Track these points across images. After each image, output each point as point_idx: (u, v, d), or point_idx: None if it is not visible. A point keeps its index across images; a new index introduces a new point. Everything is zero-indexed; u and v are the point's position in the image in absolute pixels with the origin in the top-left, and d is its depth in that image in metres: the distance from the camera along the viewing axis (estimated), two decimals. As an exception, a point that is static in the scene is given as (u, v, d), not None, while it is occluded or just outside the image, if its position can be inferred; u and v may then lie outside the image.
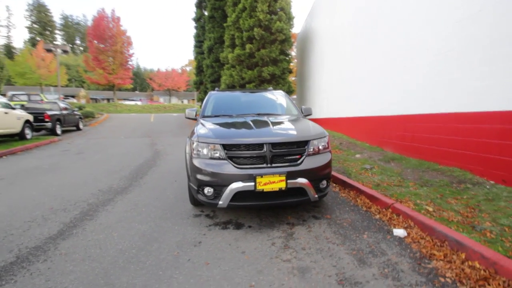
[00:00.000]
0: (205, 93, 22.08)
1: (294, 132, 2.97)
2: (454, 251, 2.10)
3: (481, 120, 3.85)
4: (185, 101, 59.89)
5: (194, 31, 21.72)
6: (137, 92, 65.55)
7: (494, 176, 3.62)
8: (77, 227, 2.87)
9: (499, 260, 1.83)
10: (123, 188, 4.38)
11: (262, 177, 2.60)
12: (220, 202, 2.68)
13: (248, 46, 13.63)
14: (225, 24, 15.12)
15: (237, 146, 2.75)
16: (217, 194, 2.71)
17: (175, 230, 2.75)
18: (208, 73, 17.89)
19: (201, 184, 2.78)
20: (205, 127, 3.22)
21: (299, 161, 2.79)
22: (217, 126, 3.26)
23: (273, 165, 2.71)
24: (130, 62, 38.22)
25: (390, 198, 3.19)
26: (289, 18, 13.98)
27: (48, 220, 3.04)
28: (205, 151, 2.85)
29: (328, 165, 2.94)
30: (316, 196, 2.81)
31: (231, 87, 14.86)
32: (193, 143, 2.97)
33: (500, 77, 3.60)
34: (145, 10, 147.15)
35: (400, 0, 5.93)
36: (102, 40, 33.39)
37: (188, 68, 58.78)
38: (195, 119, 4.13)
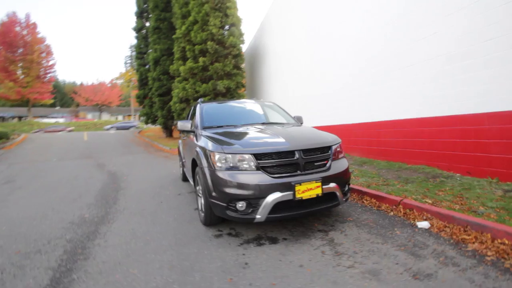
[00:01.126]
0: (151, 107, 20.62)
1: (317, 138, 2.99)
2: (480, 233, 2.40)
3: (443, 124, 4.57)
4: (120, 117, 54.64)
5: (135, 41, 20.31)
6: (57, 108, 56.96)
7: (459, 170, 4.31)
8: (75, 270, 2.25)
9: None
10: (100, 217, 3.67)
11: (300, 184, 2.52)
12: (258, 216, 2.48)
13: (201, 59, 13.42)
14: (174, 36, 14.61)
15: (269, 155, 2.62)
16: (254, 208, 2.50)
17: (207, 255, 2.41)
18: (155, 86, 16.81)
19: (233, 199, 2.53)
20: (221, 138, 2.99)
21: (327, 166, 2.81)
22: (235, 136, 3.06)
23: (306, 171, 2.67)
24: (50, 74, 33.27)
25: (395, 196, 3.48)
26: (240, 34, 14.36)
27: (25, 268, 2.31)
28: (231, 162, 2.62)
29: (348, 168, 3.04)
30: (344, 199, 2.86)
31: (184, 100, 14.29)
32: (214, 155, 2.71)
33: (452, 89, 4.38)
34: (66, 19, 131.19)
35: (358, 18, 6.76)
36: (13, 48, 28.33)
37: (119, 82, 54.17)
38: (190, 131, 3.81)
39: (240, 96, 14.60)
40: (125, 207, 4.11)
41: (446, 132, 4.52)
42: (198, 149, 3.19)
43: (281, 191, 2.48)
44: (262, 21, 14.55)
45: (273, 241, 2.63)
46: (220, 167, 2.66)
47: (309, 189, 2.55)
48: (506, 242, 2.21)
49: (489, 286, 1.76)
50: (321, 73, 8.54)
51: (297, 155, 2.66)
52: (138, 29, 19.67)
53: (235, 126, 3.63)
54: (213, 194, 2.70)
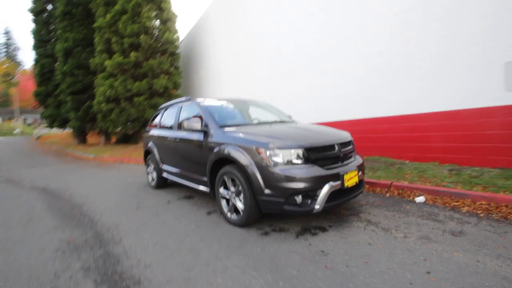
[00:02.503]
0: (58, 107, 16.96)
1: (342, 134, 3.32)
2: (463, 199, 3.24)
3: (394, 121, 5.70)
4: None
5: (33, 25, 16.29)
6: None
7: (407, 157, 5.49)
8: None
9: (491, 196, 3.07)
10: (95, 237, 3.01)
11: (347, 174, 2.80)
12: (317, 207, 2.62)
13: (133, 54, 12.12)
14: (95, 25, 12.64)
15: (316, 149, 2.80)
16: (312, 199, 2.63)
17: (278, 251, 2.40)
18: (66, 82, 13.98)
19: (293, 193, 2.59)
20: (260, 135, 2.99)
21: (354, 157, 3.20)
22: (272, 133, 3.07)
23: (344, 163, 2.97)
24: None
25: (385, 180, 4.19)
26: (175, 31, 13.63)
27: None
28: (284, 158, 2.67)
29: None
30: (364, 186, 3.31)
31: (113, 100, 12.52)
32: (266, 152, 2.70)
33: (401, 94, 5.55)
34: None
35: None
36: None
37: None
38: (200, 131, 3.56)
39: (175, 97, 13.82)
40: (117, 223, 3.47)
41: (396, 128, 5.68)
42: (230, 148, 3.05)
43: (334, 181, 2.71)
44: (199, 20, 14.19)
45: (322, 229, 2.82)
46: (276, 163, 2.67)
47: (351, 178, 2.87)
48: (484, 203, 3.08)
49: (499, 231, 2.48)
50: (270, 80, 9.07)
51: (336, 148, 2.95)
52: (37, 12, 15.90)
53: (250, 125, 3.63)
54: (266, 191, 2.68)
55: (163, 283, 2.05)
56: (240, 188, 2.93)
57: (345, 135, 3.28)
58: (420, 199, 3.47)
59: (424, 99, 5.12)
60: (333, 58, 6.86)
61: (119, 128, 12.91)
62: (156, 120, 5.46)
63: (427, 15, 4.92)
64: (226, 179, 3.12)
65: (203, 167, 3.54)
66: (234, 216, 3.10)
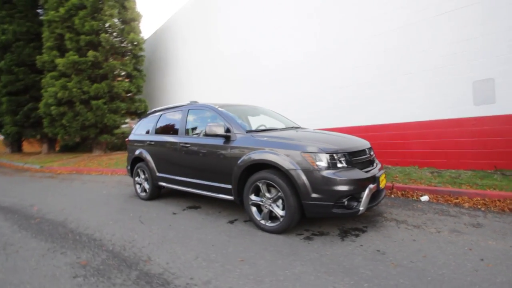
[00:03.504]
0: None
1: (363, 140, 3.51)
2: (461, 196, 3.70)
3: (378, 130, 6.24)
4: None
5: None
6: None
7: (389, 162, 6.05)
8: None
9: (483, 192, 3.58)
10: (117, 257, 2.59)
11: (381, 176, 2.97)
12: (361, 208, 2.70)
13: (91, 53, 11.03)
14: (45, 18, 11.17)
15: (354, 154, 2.91)
16: (357, 201, 2.70)
17: (335, 254, 2.39)
18: (3, 80, 11.83)
19: (342, 196, 2.63)
20: (298, 138, 3.01)
21: (376, 162, 3.41)
22: (307, 137, 3.08)
23: (372, 166, 3.14)
24: None
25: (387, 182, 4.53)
26: (139, 31, 12.83)
27: None
28: (330, 162, 2.71)
29: (376, 163, 3.76)
30: (382, 189, 3.54)
31: (66, 103, 11.07)
32: (312, 155, 2.70)
33: (382, 105, 6.14)
34: None
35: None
36: None
37: None
38: (222, 136, 3.38)
39: (138, 102, 12.90)
40: (128, 239, 3.04)
41: (378, 136, 6.24)
42: (267, 153, 2.95)
43: (372, 183, 2.84)
44: (166, 23, 13.59)
45: (361, 230, 2.92)
46: (323, 167, 2.69)
47: (382, 180, 3.06)
48: (479, 198, 3.58)
49: (507, 220, 2.91)
50: (248, 89, 9.14)
51: (367, 153, 3.11)
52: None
53: (279, 130, 3.62)
54: (313, 195, 2.67)
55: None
56: (279, 194, 2.86)
57: (366, 141, 3.49)
58: (425, 198, 3.87)
59: (404, 110, 5.76)
60: (317, 70, 7.27)
61: (73, 135, 11.38)
62: (147, 125, 5.01)
63: (407, 38, 5.61)
64: (260, 185, 3.02)
65: (225, 174, 3.36)
66: (269, 223, 3.00)
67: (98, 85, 11.11)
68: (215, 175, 3.52)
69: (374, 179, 2.89)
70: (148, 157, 4.67)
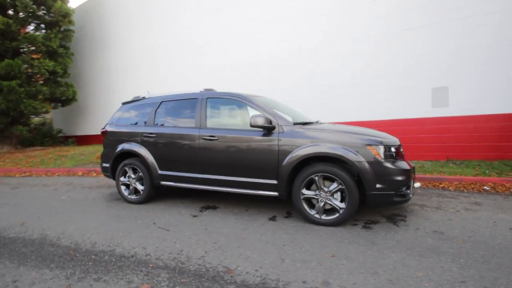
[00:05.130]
0: None
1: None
2: (442, 182, 4.48)
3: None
4: None
5: None
6: None
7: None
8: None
9: (460, 178, 4.44)
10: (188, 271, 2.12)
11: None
12: (411, 195, 2.97)
13: (0, 18, 8.43)
14: None
15: (398, 147, 3.15)
16: (408, 189, 2.95)
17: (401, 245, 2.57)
18: None
19: (402, 185, 2.84)
20: (349, 132, 3.06)
21: None
22: (354, 131, 3.15)
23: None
24: None
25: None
26: (68, 1, 10.55)
27: None
28: (388, 154, 2.88)
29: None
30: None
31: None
32: (377, 149, 2.81)
33: (353, 104, 6.81)
34: None
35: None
36: None
37: None
38: (269, 127, 3.13)
39: (69, 87, 10.69)
40: (175, 251, 2.52)
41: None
42: (328, 146, 2.91)
43: (413, 172, 3.16)
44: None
45: (400, 216, 3.20)
46: (386, 159, 2.82)
47: (412, 170, 3.44)
48: (457, 182, 4.41)
49: (498, 198, 3.69)
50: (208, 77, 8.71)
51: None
52: None
53: (317, 123, 3.58)
54: (377, 185, 2.79)
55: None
56: (340, 186, 2.88)
57: None
58: (417, 184, 4.49)
59: (371, 110, 6.55)
60: (290, 70, 7.48)
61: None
62: (137, 114, 4.20)
63: (379, 46, 6.37)
64: (316, 179, 2.96)
65: (269, 169, 3.15)
66: (324, 216, 2.98)
67: (11, 62, 8.57)
68: (255, 170, 3.24)
69: (414, 169, 3.24)
70: (145, 153, 3.92)
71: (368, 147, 2.85)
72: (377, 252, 2.38)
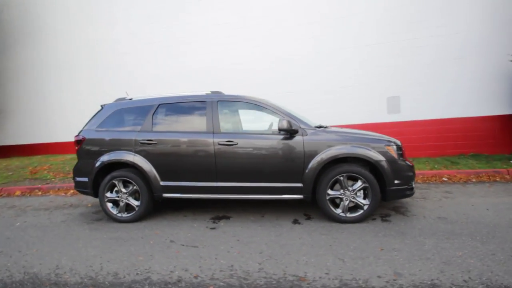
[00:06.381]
0: None
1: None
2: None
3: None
4: None
5: None
6: None
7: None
8: None
9: (421, 172, 5.26)
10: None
11: (407, 163, 3.79)
12: (414, 188, 3.38)
13: None
14: None
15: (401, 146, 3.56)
16: (414, 184, 3.34)
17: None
18: None
19: (412, 179, 3.21)
20: (361, 134, 3.30)
21: None
22: (361, 133, 3.41)
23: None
24: None
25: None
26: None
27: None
28: (398, 153, 3.22)
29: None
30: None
31: None
32: (393, 149, 3.15)
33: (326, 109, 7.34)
34: None
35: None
36: None
37: None
38: (292, 132, 3.14)
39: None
40: (224, 267, 2.29)
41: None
42: (354, 147, 3.10)
43: (412, 169, 3.62)
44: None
45: (400, 208, 3.59)
46: (399, 157, 3.15)
47: (404, 166, 3.91)
48: (424, 176, 5.19)
49: (456, 186, 4.48)
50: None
51: (398, 146, 3.88)
52: None
53: (327, 127, 3.72)
54: (395, 181, 3.08)
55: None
56: (364, 184, 3.08)
57: None
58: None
59: (340, 115, 7.19)
60: (261, 76, 7.63)
61: None
62: (127, 118, 3.65)
63: (343, 57, 7.07)
64: (341, 179, 3.10)
65: (294, 172, 3.16)
66: (349, 214, 3.14)
67: None
68: (279, 174, 3.19)
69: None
70: (142, 162, 3.41)
71: (387, 147, 3.16)
72: (413, 240, 2.65)
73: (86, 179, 3.60)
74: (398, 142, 3.36)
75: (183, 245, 2.77)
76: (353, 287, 1.96)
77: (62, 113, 9.42)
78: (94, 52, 8.96)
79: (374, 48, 6.86)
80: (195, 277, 2.17)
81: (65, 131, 9.35)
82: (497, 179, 4.77)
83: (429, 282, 1.98)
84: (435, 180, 5.00)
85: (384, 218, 3.26)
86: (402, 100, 6.77)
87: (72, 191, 5.32)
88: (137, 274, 2.25)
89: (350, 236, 2.79)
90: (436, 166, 5.75)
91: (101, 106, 3.84)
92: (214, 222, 3.37)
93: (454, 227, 2.91)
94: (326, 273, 2.14)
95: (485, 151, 6.28)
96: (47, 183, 5.95)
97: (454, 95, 6.42)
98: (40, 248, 2.86)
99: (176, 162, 3.40)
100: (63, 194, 5.25)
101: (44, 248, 2.85)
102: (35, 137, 9.66)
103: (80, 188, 3.70)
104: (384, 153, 3.12)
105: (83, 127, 3.78)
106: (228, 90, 7.84)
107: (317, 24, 7.22)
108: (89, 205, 4.40)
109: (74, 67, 9.17)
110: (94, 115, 3.79)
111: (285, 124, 3.07)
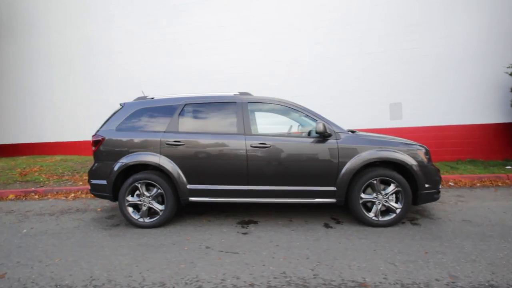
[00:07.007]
0: None
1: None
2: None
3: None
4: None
5: None
6: None
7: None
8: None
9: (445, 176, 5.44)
10: None
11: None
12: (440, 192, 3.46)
13: None
14: None
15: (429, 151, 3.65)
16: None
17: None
18: None
19: (439, 183, 3.27)
20: (388, 139, 3.36)
21: None
22: (385, 138, 3.46)
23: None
24: None
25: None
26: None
27: None
28: (427, 157, 3.29)
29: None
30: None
31: None
32: (423, 153, 3.24)
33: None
34: None
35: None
36: None
37: None
38: (326, 135, 3.13)
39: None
40: (277, 273, 2.20)
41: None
42: (390, 151, 3.14)
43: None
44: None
45: (425, 211, 3.68)
46: (428, 162, 3.22)
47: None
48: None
49: (465, 190, 4.66)
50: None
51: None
52: None
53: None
54: (426, 185, 3.14)
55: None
56: (397, 188, 3.11)
57: None
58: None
59: (344, 120, 7.28)
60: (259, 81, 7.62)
61: None
62: (150, 119, 3.46)
63: (347, 64, 7.23)
64: (375, 182, 3.12)
65: (328, 176, 3.14)
66: (381, 218, 3.15)
67: None
68: (314, 178, 3.15)
69: (437, 170, 3.82)
70: (168, 164, 3.25)
71: (419, 152, 3.23)
72: (451, 243, 2.70)
73: (104, 182, 3.37)
74: (426, 147, 3.44)
75: (221, 251, 2.65)
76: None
77: (51, 112, 8.88)
78: (88, 49, 8.55)
79: (376, 55, 7.07)
80: (251, 285, 2.07)
81: (54, 131, 8.82)
82: (499, 184, 5.03)
83: (486, 284, 2.01)
84: (443, 185, 5.18)
85: (413, 222, 3.32)
86: (404, 107, 7.01)
87: (73, 195, 4.98)
88: (186, 284, 2.11)
89: (390, 240, 2.80)
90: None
91: (121, 104, 3.63)
92: (242, 227, 3.27)
93: (483, 229, 3.01)
94: (384, 278, 2.12)
95: (480, 157, 6.63)
96: (42, 186, 5.53)
97: (452, 103, 6.74)
98: (62, 257, 2.62)
99: (205, 165, 3.27)
100: (63, 197, 4.89)
101: (67, 257, 2.61)
102: (20, 137, 9.01)
103: (97, 191, 3.45)
104: (415, 157, 3.18)
105: (101, 127, 3.55)
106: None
107: (321, 30, 7.35)
108: (99, 209, 4.13)
109: (67, 64, 8.69)
110: (113, 114, 3.57)
111: (321, 127, 3.05)
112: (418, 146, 3.28)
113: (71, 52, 8.62)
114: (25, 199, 4.89)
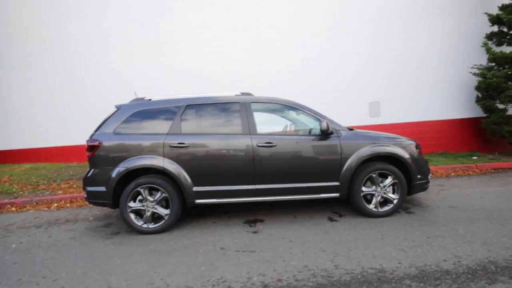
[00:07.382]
0: None
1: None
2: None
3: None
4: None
5: None
6: None
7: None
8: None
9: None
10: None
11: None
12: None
13: None
14: None
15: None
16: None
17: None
18: None
19: (428, 174, 3.57)
20: (384, 134, 3.58)
21: None
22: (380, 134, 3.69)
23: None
24: None
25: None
26: None
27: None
28: (418, 150, 3.56)
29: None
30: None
31: None
32: (416, 146, 3.51)
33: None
34: None
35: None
36: None
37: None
38: (328, 133, 3.26)
39: None
40: (299, 267, 2.26)
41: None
42: (387, 146, 3.35)
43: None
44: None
45: (414, 200, 3.98)
46: (419, 154, 3.48)
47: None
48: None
49: (444, 180, 5.10)
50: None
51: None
52: None
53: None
54: (418, 176, 3.40)
55: None
56: (394, 180, 3.33)
57: None
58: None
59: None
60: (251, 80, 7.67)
61: None
62: (149, 121, 3.34)
63: (333, 65, 7.52)
64: (374, 176, 3.31)
65: (331, 172, 3.28)
66: (381, 209, 3.36)
67: None
68: (318, 174, 3.27)
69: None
70: (173, 167, 3.17)
71: (411, 146, 3.49)
72: (446, 227, 2.96)
73: (102, 189, 3.19)
74: (416, 141, 3.73)
75: (237, 251, 2.66)
76: (430, 271, 2.13)
77: (13, 117, 8.12)
78: (58, 48, 7.95)
79: (356, 57, 7.45)
80: (279, 280, 2.12)
81: (19, 137, 8.10)
82: (470, 173, 5.58)
83: (486, 260, 2.26)
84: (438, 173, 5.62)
85: (407, 211, 3.57)
86: (382, 105, 7.47)
87: (56, 205, 4.63)
88: (213, 285, 2.10)
89: (392, 229, 3.00)
90: (415, 164, 6.45)
91: (116, 107, 3.46)
92: (250, 226, 3.29)
93: (469, 214, 3.34)
94: (399, 263, 2.29)
95: (450, 149, 7.28)
96: (16, 197, 5.06)
97: (426, 101, 7.32)
98: (68, 270, 2.45)
99: (211, 166, 3.24)
100: (45, 208, 4.53)
101: (74, 270, 2.45)
102: (-22, 144, 8.12)
103: (95, 199, 3.26)
104: (409, 151, 3.44)
105: (95, 131, 3.36)
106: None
107: (305, 33, 7.57)
108: (91, 218, 3.89)
109: (31, 65, 8.00)
110: (109, 117, 3.39)
111: (325, 125, 3.18)
112: (410, 141, 3.55)
113: (36, 52, 7.95)
114: (1, 212, 4.45)
